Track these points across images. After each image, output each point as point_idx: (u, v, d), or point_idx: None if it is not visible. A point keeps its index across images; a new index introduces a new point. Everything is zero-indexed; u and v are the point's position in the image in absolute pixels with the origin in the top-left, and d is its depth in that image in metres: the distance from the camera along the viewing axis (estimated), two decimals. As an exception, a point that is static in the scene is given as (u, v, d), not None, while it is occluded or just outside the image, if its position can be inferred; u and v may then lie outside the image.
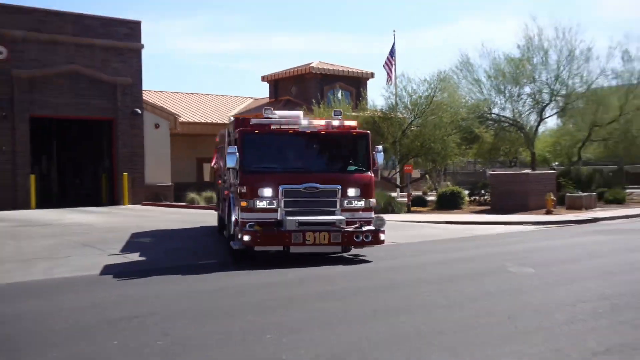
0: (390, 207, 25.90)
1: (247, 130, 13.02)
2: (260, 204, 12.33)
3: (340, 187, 12.61)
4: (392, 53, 35.24)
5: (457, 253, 14.31)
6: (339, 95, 41.07)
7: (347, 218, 12.50)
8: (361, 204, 12.83)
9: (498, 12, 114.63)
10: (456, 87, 33.38)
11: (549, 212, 24.23)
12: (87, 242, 15.96)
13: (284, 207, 12.37)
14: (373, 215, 13.03)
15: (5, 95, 30.14)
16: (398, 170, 33.65)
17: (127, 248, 14.95)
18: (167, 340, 6.79)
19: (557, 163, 40.64)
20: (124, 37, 33.99)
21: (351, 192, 12.75)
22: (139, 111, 34.10)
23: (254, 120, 13.29)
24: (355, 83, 45.19)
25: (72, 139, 40.56)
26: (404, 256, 13.80)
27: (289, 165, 13.14)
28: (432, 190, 40.11)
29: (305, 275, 11.15)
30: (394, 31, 39.44)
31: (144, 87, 35.09)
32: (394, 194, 31.19)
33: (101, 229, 19.62)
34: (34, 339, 6.99)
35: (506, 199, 26.39)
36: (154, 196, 34.18)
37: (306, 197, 12.46)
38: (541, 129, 36.29)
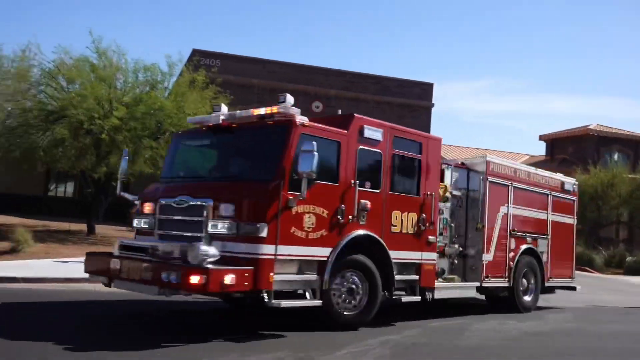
0: None
1: (178, 132, 9.44)
2: (135, 222, 8.45)
3: (211, 202, 7.37)
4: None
5: None
6: (616, 157, 36.77)
7: (210, 250, 6.99)
8: (226, 226, 7.20)
9: None
10: None
11: None
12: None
13: (158, 228, 7.96)
14: (267, 251, 7.05)
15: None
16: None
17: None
18: None
19: None
20: (417, 96, 34.26)
21: (224, 209, 7.30)
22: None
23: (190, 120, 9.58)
24: (634, 146, 40.09)
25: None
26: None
27: (191, 174, 8.85)
28: None
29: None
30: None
31: (430, 140, 34.79)
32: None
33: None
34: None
35: None
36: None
37: (179, 216, 7.72)
38: None
